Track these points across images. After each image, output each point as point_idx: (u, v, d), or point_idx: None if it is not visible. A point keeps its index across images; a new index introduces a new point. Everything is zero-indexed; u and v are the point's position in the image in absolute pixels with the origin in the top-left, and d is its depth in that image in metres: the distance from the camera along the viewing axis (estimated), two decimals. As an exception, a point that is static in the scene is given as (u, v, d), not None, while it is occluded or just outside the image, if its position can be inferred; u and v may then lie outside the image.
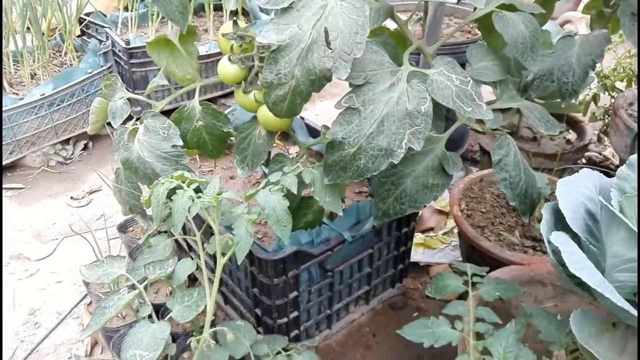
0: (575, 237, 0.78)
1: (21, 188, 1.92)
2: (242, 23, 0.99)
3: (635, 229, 0.70)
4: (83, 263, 1.51)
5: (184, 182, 0.87)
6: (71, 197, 1.87)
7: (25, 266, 1.58)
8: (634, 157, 0.79)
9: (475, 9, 0.91)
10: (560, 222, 0.82)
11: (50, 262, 1.59)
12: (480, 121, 1.01)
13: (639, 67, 0.96)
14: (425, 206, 1.38)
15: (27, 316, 1.41)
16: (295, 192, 0.85)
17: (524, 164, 0.91)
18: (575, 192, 0.82)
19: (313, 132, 1.46)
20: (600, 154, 1.98)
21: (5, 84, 2.08)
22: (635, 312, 0.68)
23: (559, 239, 0.75)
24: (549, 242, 0.78)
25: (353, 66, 0.73)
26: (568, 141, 1.71)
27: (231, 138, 1.14)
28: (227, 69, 0.99)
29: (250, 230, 0.84)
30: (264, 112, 0.98)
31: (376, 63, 0.78)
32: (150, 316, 0.83)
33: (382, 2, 0.86)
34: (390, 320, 1.35)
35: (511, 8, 0.88)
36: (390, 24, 0.99)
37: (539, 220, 1.30)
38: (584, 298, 1.06)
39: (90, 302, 1.42)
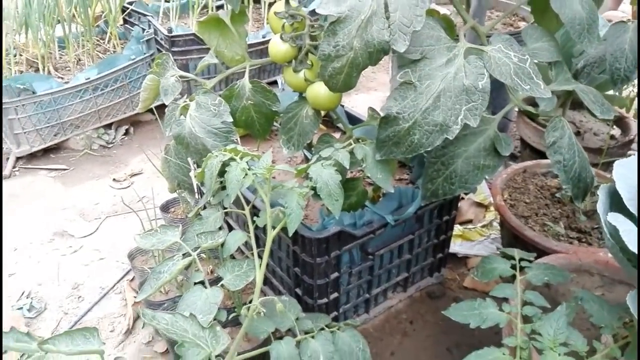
0: (631, 217, 0.77)
1: (65, 169, 1.98)
2: (293, 3, 1.01)
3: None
4: (125, 241, 1.58)
5: (236, 156, 0.89)
6: (113, 179, 1.91)
7: (69, 243, 1.62)
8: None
9: (530, -10, 0.90)
10: (615, 205, 0.81)
11: (93, 239, 1.64)
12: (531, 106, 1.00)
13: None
14: (464, 196, 1.36)
15: (71, 290, 1.45)
16: (348, 167, 0.85)
17: (578, 147, 0.90)
18: (633, 173, 0.80)
19: (353, 120, 1.46)
20: (643, 152, 1.93)
21: (50, 68, 2.14)
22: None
23: (617, 219, 0.74)
24: (606, 222, 0.76)
25: (410, 41, 0.73)
26: (612, 136, 1.67)
27: (275, 124, 1.15)
28: (279, 48, 1.00)
29: (302, 203, 0.84)
30: (314, 91, 0.99)
31: (433, 38, 0.78)
32: (202, 283, 0.85)
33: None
34: (428, 309, 1.34)
35: (568, -12, 0.87)
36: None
37: (585, 213, 1.29)
38: (631, 289, 1.04)
39: (133, 278, 1.46)
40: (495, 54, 0.78)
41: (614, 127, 1.73)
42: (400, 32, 0.71)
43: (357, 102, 2.46)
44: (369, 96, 2.51)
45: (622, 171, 0.80)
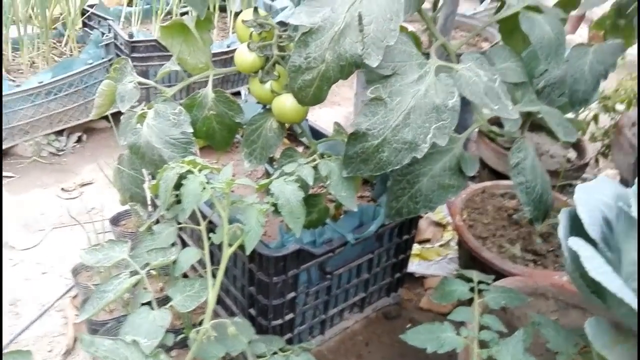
0: (591, 243, 0.78)
1: (11, 177, 1.87)
2: (262, 12, 0.98)
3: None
4: (70, 255, 1.49)
5: (195, 168, 0.85)
6: (62, 189, 1.82)
7: (9, 255, 1.52)
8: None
9: (497, 11, 0.91)
10: (575, 229, 0.81)
11: (36, 252, 1.54)
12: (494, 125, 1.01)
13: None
14: (421, 215, 1.36)
15: (9, 306, 1.36)
16: (312, 184, 0.82)
17: (541, 169, 0.91)
18: (593, 198, 0.81)
19: (316, 134, 1.44)
20: (596, 177, 2.00)
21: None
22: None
23: (578, 244, 0.74)
24: (567, 247, 0.76)
25: (383, 55, 0.72)
26: (568, 159, 1.72)
27: (236, 136, 1.11)
28: (245, 57, 0.97)
29: (262, 220, 0.81)
30: (280, 103, 0.96)
31: (405, 54, 0.77)
32: (149, 304, 0.80)
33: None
34: (384, 330, 1.33)
35: (537, 10, 0.88)
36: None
37: (541, 235, 1.31)
38: (585, 313, 1.06)
39: (76, 295, 1.37)
40: (465, 72, 0.78)
41: (570, 150, 1.78)
42: (373, 45, 0.70)
43: (320, 116, 2.45)
44: (332, 110, 2.51)
45: (583, 195, 0.80)
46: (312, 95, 0.75)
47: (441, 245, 1.63)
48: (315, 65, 0.71)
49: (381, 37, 0.69)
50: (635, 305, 0.67)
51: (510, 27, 0.89)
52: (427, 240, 1.66)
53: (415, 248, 1.58)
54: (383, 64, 0.74)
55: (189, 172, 0.84)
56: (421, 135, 0.74)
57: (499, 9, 0.90)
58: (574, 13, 1.14)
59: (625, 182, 1.53)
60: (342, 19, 0.69)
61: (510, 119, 0.78)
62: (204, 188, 0.82)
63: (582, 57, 0.97)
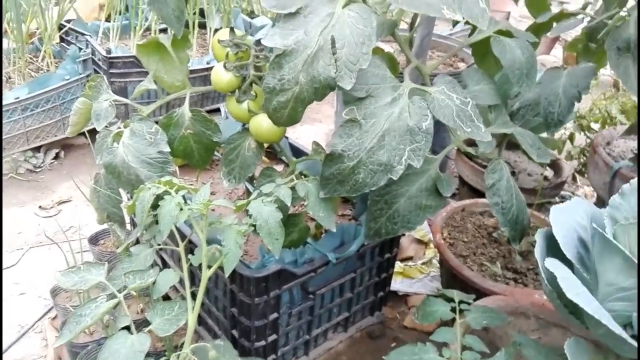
0: (568, 263, 0.78)
1: (-14, 194, 1.83)
2: (238, 32, 0.98)
3: (631, 256, 0.70)
4: (49, 275, 1.46)
5: (171, 189, 0.84)
6: (39, 207, 1.79)
7: (-16, 275, 1.48)
8: (627, 186, 0.80)
9: (471, 34, 0.92)
10: (552, 249, 0.82)
11: (13, 272, 1.51)
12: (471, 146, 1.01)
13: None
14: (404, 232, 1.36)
15: (-16, 329, 1.32)
16: (289, 204, 0.82)
17: (516, 189, 0.91)
18: (569, 219, 0.82)
19: (297, 152, 1.44)
20: (574, 194, 2.02)
21: (-24, 86, 2.00)
22: (631, 341, 0.67)
23: (554, 265, 0.75)
24: (544, 268, 0.77)
25: (356, 78, 0.72)
26: (545, 177, 1.74)
27: (216, 153, 1.11)
28: (221, 77, 0.97)
29: (240, 241, 0.80)
30: (257, 123, 0.96)
31: (379, 77, 0.77)
32: (128, 328, 0.78)
33: (384, 16, 0.86)
34: (367, 349, 1.31)
35: (508, 34, 0.90)
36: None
37: (520, 253, 1.31)
38: (566, 332, 1.06)
39: (56, 316, 1.34)
40: (438, 95, 0.78)
41: (547, 168, 1.80)
42: (346, 69, 0.70)
43: (302, 134, 2.46)
44: (313, 128, 2.51)
45: (559, 215, 0.81)
46: (287, 116, 0.75)
47: (423, 263, 1.63)
48: (290, 87, 0.71)
49: (354, 61, 0.69)
50: (612, 327, 0.67)
51: (482, 51, 0.91)
52: (410, 258, 1.66)
53: (398, 266, 1.58)
54: (357, 87, 0.74)
55: (166, 192, 0.83)
56: (396, 157, 0.74)
57: (471, 33, 0.91)
58: (548, 34, 1.17)
59: (601, 201, 1.55)
60: (314, 42, 0.70)
61: (484, 141, 0.79)
62: (181, 209, 0.81)
63: (556, 80, 0.99)
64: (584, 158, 1.88)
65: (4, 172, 1.94)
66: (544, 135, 1.69)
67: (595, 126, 1.93)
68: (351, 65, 0.70)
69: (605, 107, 1.85)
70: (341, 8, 0.72)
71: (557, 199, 1.93)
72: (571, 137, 1.90)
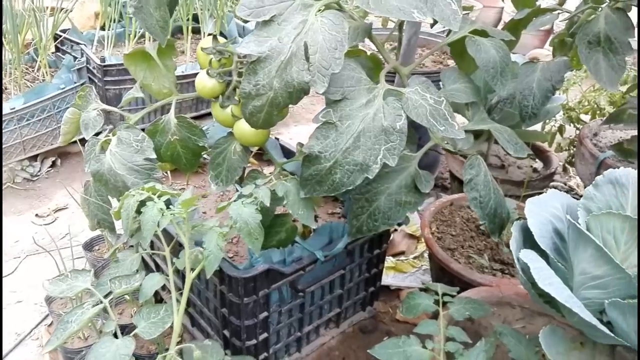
0: (543, 254, 0.80)
1: (-16, 204, 1.86)
2: (221, 39, 1.00)
3: (602, 246, 0.72)
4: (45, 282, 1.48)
5: (154, 194, 0.86)
6: (36, 215, 1.81)
7: (-17, 284, 1.51)
8: (600, 177, 0.81)
9: (448, 33, 0.94)
10: (528, 241, 0.84)
11: (11, 280, 1.53)
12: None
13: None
14: (396, 227, 1.38)
15: (-17, 336, 1.35)
16: (268, 204, 0.84)
17: (494, 184, 0.93)
18: (544, 211, 0.84)
19: (287, 153, 1.46)
20: (566, 184, 2.04)
21: (-28, 97, 2.03)
22: (602, 328, 0.69)
23: (528, 256, 0.77)
24: (518, 259, 0.79)
25: (331, 81, 0.74)
26: (535, 170, 1.76)
27: (204, 156, 1.13)
28: (205, 83, 0.99)
29: (221, 244, 0.82)
30: (241, 127, 0.98)
31: (353, 80, 0.79)
32: (114, 332, 0.80)
33: (360, 21, 0.89)
34: (360, 344, 1.33)
35: (483, 34, 0.92)
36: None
37: (507, 245, 1.33)
38: (551, 321, 1.08)
39: (52, 323, 1.37)
40: (412, 95, 0.80)
41: (537, 160, 1.81)
42: (319, 74, 0.72)
43: (296, 133, 2.48)
44: (308, 127, 2.52)
45: (534, 208, 0.83)
46: (263, 120, 0.77)
47: (415, 257, 1.65)
48: (264, 92, 0.74)
49: (326, 66, 0.72)
50: (584, 315, 0.69)
51: (460, 50, 0.93)
52: (402, 253, 1.67)
53: (390, 261, 1.60)
54: (332, 90, 0.76)
55: (149, 198, 0.85)
56: (371, 156, 0.77)
57: (448, 33, 0.93)
58: (541, 28, 1.18)
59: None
60: (288, 48, 0.72)
61: (461, 138, 0.81)
62: (163, 214, 0.83)
63: (530, 75, 1.01)
64: (574, 149, 1.89)
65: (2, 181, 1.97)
66: (535, 127, 1.71)
67: (586, 118, 1.94)
68: (324, 70, 0.72)
69: (595, 99, 1.86)
70: (314, 15, 0.74)
71: (547, 189, 1.95)
72: (560, 129, 1.91)
